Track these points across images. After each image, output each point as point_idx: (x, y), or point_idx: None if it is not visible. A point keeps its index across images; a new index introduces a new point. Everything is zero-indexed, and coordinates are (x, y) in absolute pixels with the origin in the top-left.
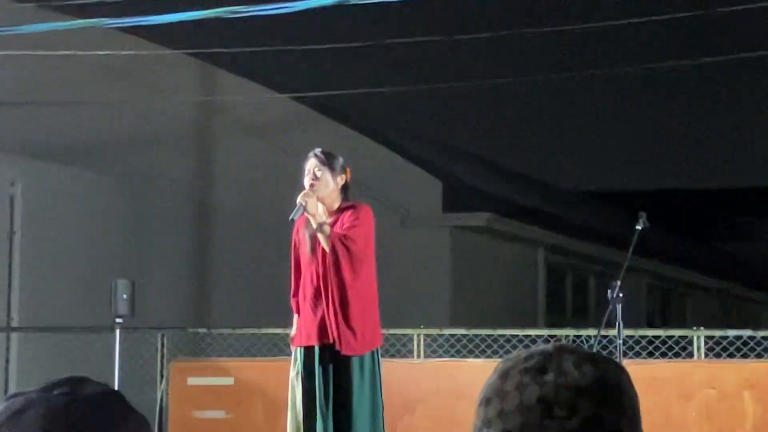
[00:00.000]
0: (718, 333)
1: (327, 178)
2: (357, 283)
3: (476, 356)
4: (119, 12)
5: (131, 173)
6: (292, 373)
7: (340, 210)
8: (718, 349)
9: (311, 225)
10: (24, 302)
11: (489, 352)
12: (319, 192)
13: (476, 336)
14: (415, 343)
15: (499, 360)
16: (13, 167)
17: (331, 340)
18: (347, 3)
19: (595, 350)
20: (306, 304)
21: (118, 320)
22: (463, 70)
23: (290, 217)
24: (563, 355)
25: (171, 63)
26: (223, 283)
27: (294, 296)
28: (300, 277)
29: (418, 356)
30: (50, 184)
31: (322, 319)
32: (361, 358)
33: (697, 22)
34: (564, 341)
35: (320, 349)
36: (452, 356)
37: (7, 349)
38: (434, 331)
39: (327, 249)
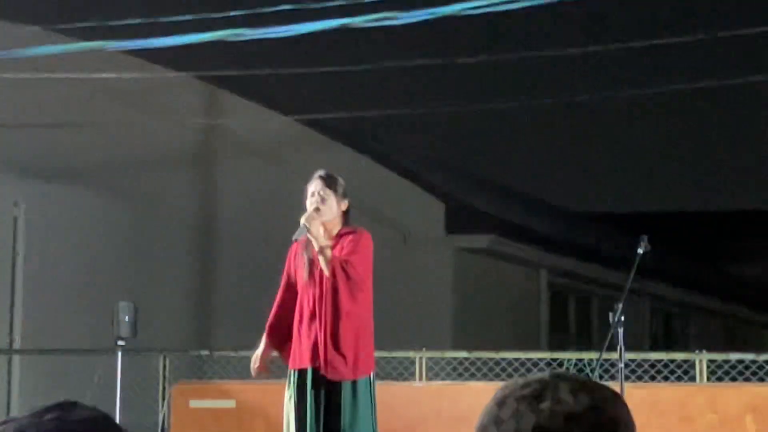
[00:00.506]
0: (720, 356)
1: (332, 202)
2: (354, 310)
3: (478, 379)
4: (124, 35)
5: (134, 195)
6: (286, 397)
7: (340, 235)
8: (720, 373)
9: (309, 248)
10: (26, 324)
11: (491, 375)
12: (323, 216)
13: (478, 359)
14: (417, 365)
15: (501, 384)
16: (16, 189)
17: (324, 365)
18: (351, 26)
19: (596, 374)
20: (302, 326)
21: (120, 342)
22: (468, 92)
23: (293, 238)
24: (559, 383)
25: (175, 85)
26: (225, 305)
27: (273, 318)
28: (286, 300)
29: (420, 379)
30: (53, 205)
31: (316, 342)
32: (354, 383)
33: (707, 46)
34: (566, 365)
35: (313, 372)
36: (454, 379)
37: (9, 372)
38: (436, 354)
39: (327, 273)
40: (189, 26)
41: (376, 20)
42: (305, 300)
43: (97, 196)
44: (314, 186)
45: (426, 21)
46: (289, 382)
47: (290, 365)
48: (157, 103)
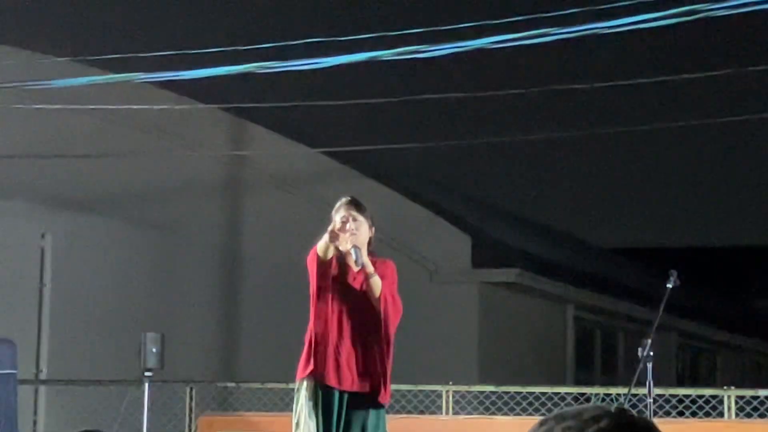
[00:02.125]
0: (749, 393)
1: (365, 227)
2: (392, 339)
3: (505, 413)
4: (152, 67)
5: (161, 226)
6: (300, 410)
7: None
8: (748, 409)
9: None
10: (53, 355)
11: (518, 409)
12: (358, 240)
13: (505, 393)
14: (444, 399)
15: (528, 418)
16: (43, 220)
17: (368, 390)
18: (378, 59)
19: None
20: (342, 346)
21: (148, 373)
22: (494, 125)
23: (356, 263)
24: (629, 416)
25: (202, 117)
26: (251, 336)
27: (316, 327)
28: (324, 308)
29: (447, 412)
30: (80, 236)
31: (362, 366)
32: (382, 411)
33: (732, 80)
34: (593, 400)
35: (347, 394)
36: (481, 413)
37: (35, 402)
38: (463, 388)
39: (377, 296)
40: (217, 58)
41: (404, 54)
42: (340, 316)
43: (123, 226)
44: (346, 211)
45: (453, 54)
46: (299, 409)
47: (329, 381)
48: (184, 135)
